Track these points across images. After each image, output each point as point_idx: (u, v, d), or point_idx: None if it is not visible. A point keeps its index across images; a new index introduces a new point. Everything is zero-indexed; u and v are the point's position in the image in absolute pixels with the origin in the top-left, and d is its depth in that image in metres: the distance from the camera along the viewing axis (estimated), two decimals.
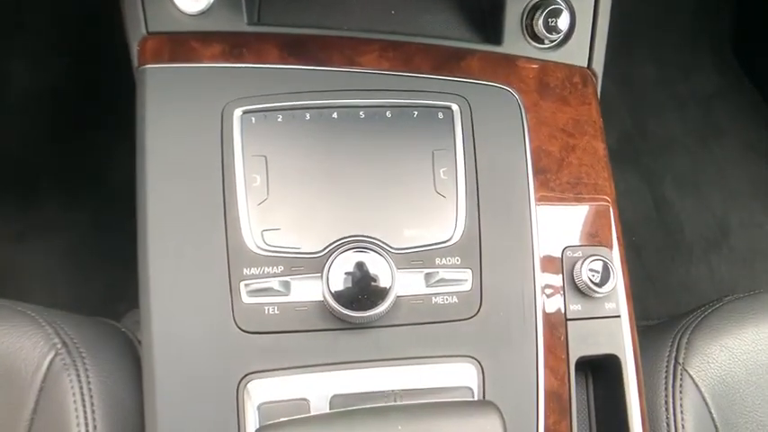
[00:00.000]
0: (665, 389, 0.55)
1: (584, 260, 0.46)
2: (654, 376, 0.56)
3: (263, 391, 0.41)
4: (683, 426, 0.53)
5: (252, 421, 0.40)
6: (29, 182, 1.01)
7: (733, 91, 1.15)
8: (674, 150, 1.12)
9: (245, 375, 0.41)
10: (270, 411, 0.40)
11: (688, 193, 1.09)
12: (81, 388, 0.50)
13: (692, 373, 0.57)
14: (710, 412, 0.56)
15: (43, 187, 1.01)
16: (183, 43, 0.50)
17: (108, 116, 1.03)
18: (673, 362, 0.57)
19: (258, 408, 0.40)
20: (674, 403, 0.54)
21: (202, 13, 0.51)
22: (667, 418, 0.54)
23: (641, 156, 1.11)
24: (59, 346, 0.51)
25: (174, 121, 0.47)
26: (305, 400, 0.41)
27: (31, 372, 0.51)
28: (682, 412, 0.54)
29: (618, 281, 0.46)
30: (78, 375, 0.50)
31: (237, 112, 0.47)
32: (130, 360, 0.56)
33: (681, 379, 0.56)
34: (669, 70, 1.15)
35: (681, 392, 0.55)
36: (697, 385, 0.56)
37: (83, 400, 0.50)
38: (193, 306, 0.43)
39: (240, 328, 0.42)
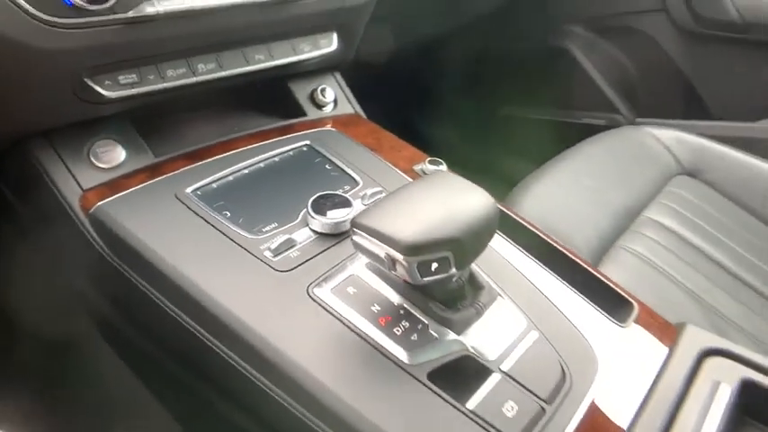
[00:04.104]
0: None
1: None
2: None
3: None
4: None
5: None
6: None
7: None
8: None
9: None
10: None
11: None
12: None
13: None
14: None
15: None
16: (114, 182, 0.68)
17: None
18: None
19: None
20: None
21: (119, 165, 0.71)
22: None
23: None
24: None
25: (148, 220, 0.63)
26: None
27: None
28: None
29: None
30: None
31: (188, 191, 0.67)
32: None
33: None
34: None
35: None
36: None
37: None
38: (237, 283, 0.57)
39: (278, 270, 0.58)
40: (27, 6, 0.54)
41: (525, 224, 0.74)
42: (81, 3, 0.55)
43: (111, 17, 0.58)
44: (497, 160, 1.75)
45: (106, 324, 0.78)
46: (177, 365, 0.68)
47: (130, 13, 0.60)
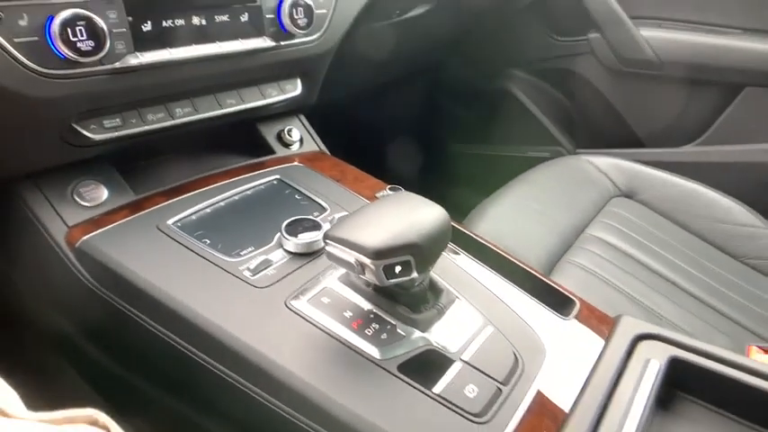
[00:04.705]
0: None
1: None
2: None
3: None
4: None
5: None
6: None
7: None
8: None
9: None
10: None
11: None
12: None
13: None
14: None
15: None
16: (97, 219, 0.73)
17: None
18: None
19: None
20: None
21: (102, 203, 0.76)
22: None
23: None
24: None
25: (133, 250, 0.68)
26: None
27: None
28: None
29: None
30: None
31: (169, 223, 0.72)
32: None
33: None
34: None
35: None
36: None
37: None
38: (221, 300, 0.62)
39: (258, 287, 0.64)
40: (22, 59, 0.61)
41: (480, 240, 0.82)
42: (73, 56, 0.62)
43: (100, 68, 0.65)
44: (451, 193, 1.86)
45: (79, 355, 0.81)
46: (159, 388, 0.71)
47: (117, 65, 0.67)
